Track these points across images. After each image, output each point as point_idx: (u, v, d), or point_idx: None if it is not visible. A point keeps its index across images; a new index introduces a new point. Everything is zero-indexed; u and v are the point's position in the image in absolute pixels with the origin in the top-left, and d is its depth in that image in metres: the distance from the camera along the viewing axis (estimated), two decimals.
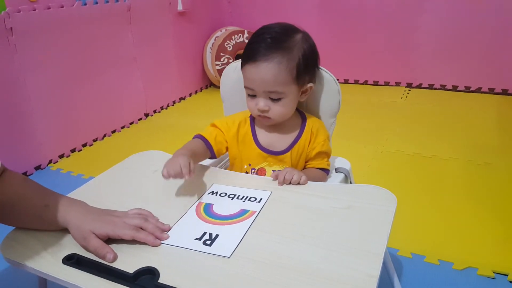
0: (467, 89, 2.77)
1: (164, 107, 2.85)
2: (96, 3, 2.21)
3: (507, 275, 1.14)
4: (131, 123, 2.58)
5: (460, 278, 1.15)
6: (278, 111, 0.87)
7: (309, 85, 0.90)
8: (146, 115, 2.70)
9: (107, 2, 2.27)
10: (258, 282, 0.56)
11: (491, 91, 2.69)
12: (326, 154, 0.95)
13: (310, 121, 0.94)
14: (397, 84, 2.98)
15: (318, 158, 0.94)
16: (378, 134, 2.17)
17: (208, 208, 0.75)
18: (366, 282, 0.54)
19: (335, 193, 0.77)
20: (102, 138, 2.37)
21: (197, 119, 2.54)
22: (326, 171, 0.94)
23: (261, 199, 0.76)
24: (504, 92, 2.65)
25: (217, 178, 0.86)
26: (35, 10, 1.90)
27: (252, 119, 0.96)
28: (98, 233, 0.64)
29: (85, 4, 2.14)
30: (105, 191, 0.84)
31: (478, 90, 2.73)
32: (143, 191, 0.82)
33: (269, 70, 0.83)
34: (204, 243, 0.65)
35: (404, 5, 2.75)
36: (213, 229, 0.69)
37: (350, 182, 1.01)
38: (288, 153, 0.92)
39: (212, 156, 0.94)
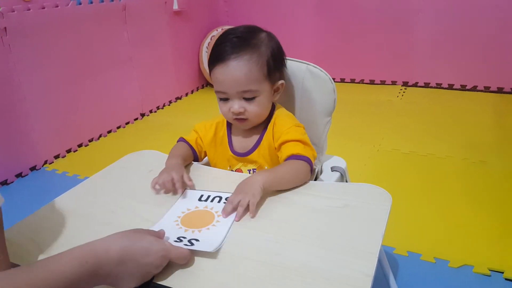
0: (463, 88, 2.78)
1: (160, 107, 2.84)
2: (91, 2, 2.20)
3: (502, 273, 1.15)
4: (127, 123, 2.57)
5: (456, 275, 1.15)
6: (254, 111, 0.84)
7: (280, 82, 0.88)
8: (142, 115, 2.69)
9: (102, 1, 2.26)
10: (254, 281, 0.56)
11: (487, 89, 2.70)
12: (298, 141, 0.83)
13: (275, 114, 0.90)
14: (393, 83, 2.99)
15: (288, 146, 0.83)
16: (374, 132, 2.18)
17: None
18: (361, 281, 0.54)
19: (331, 192, 0.76)
20: (98, 139, 2.37)
21: (193, 119, 2.51)
22: (303, 157, 0.80)
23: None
24: (500, 91, 2.66)
25: (207, 174, 0.86)
26: (29, 9, 1.89)
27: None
28: (156, 250, 0.56)
29: (80, 4, 2.13)
30: (100, 191, 0.83)
31: (474, 89, 2.74)
32: (138, 190, 0.82)
33: (240, 68, 0.80)
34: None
35: (400, 4, 2.76)
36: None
37: (346, 181, 1.01)
38: (255, 152, 0.89)
39: (196, 159, 0.95)
